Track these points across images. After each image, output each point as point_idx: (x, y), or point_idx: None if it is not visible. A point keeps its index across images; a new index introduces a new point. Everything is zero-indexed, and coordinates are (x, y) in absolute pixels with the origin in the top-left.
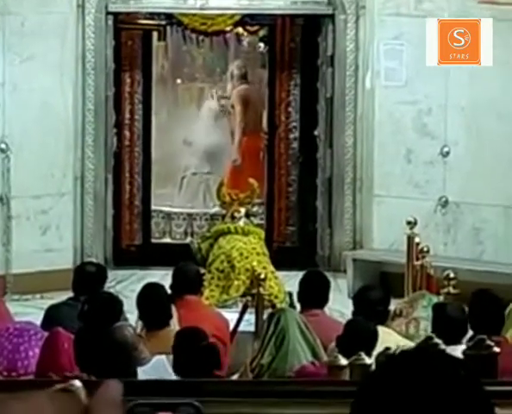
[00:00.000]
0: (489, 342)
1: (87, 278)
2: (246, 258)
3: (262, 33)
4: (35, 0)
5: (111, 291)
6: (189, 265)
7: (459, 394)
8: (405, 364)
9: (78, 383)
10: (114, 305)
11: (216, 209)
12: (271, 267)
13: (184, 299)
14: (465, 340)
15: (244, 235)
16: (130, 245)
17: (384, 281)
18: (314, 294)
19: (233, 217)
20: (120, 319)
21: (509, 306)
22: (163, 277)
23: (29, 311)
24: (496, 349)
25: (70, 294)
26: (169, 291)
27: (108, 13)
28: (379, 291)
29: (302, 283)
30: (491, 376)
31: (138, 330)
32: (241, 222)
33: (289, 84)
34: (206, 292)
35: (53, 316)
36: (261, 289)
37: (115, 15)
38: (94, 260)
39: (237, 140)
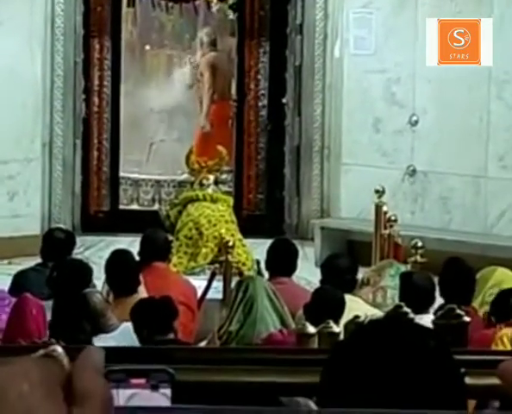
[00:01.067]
0: (459, 312)
1: (56, 244)
2: (215, 225)
3: (232, 0)
4: None
5: (79, 257)
6: (157, 232)
7: (429, 364)
8: (375, 333)
9: (59, 349)
10: (84, 272)
11: (185, 176)
12: (238, 235)
13: (151, 266)
14: (432, 309)
15: (212, 203)
16: (98, 211)
17: (351, 250)
18: (282, 262)
19: (201, 185)
20: (89, 286)
21: (477, 276)
22: (131, 243)
23: None
24: (466, 319)
25: (38, 260)
26: (137, 258)
27: None
28: (347, 259)
29: (270, 251)
30: (461, 345)
31: (104, 295)
32: (210, 190)
33: (258, 52)
34: (174, 260)
35: (20, 282)
36: (229, 256)
37: None
38: (62, 226)
39: (205, 107)
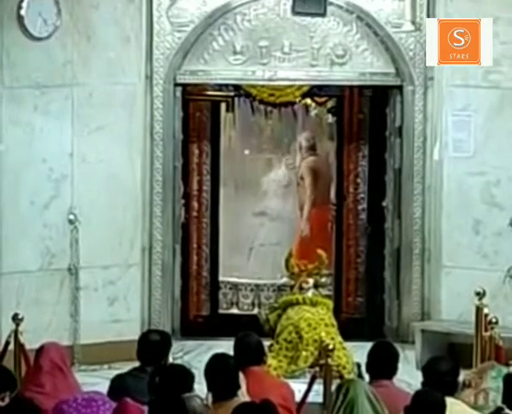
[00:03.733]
0: None
1: (152, 346)
2: (315, 329)
3: (330, 104)
4: (103, 71)
5: (178, 361)
6: (249, 336)
7: None
8: None
9: None
10: (186, 378)
11: (284, 280)
12: (339, 338)
13: (248, 370)
14: None
15: (312, 306)
16: (198, 315)
17: (452, 352)
18: (383, 365)
19: (301, 288)
20: (190, 392)
21: None
22: (230, 347)
23: (96, 381)
24: None
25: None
26: None
27: (176, 84)
28: (448, 362)
29: (371, 354)
30: None
31: (209, 402)
32: (310, 293)
33: (357, 156)
34: (274, 363)
35: (118, 387)
36: (329, 360)
37: (184, 86)
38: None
39: (306, 211)
